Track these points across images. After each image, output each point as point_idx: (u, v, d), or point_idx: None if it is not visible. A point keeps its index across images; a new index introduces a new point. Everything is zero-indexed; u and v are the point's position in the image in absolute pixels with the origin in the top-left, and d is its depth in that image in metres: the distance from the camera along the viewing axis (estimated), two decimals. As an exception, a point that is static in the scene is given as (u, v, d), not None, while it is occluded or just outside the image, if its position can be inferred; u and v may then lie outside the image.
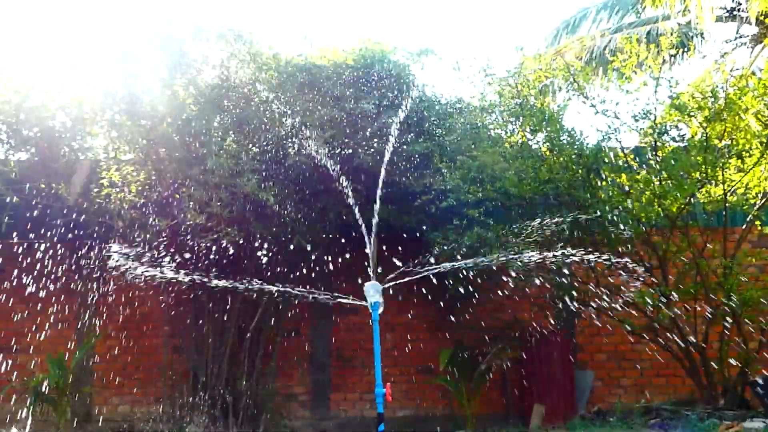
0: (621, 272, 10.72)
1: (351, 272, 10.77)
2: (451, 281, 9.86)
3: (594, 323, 11.93)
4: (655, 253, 10.23)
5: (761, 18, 15.92)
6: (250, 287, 8.38)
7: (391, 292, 6.25)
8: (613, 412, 10.56)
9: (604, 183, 10.15)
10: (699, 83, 10.89)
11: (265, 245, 10.14)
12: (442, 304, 11.05)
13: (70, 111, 9.97)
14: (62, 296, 12.05)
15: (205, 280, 8.14)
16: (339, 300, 5.69)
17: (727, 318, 9.81)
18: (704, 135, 9.67)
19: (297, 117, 10.16)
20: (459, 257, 9.86)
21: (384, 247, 9.32)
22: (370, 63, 10.97)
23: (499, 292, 11.27)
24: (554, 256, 8.92)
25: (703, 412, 9.41)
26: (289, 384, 12.21)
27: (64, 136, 10.10)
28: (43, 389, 10.93)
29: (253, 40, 10.41)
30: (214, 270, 10.68)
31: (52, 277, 12.30)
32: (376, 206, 6.58)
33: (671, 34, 11.91)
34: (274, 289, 8.11)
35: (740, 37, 17.43)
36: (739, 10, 17.40)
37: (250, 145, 10.25)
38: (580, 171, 10.11)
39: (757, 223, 10.52)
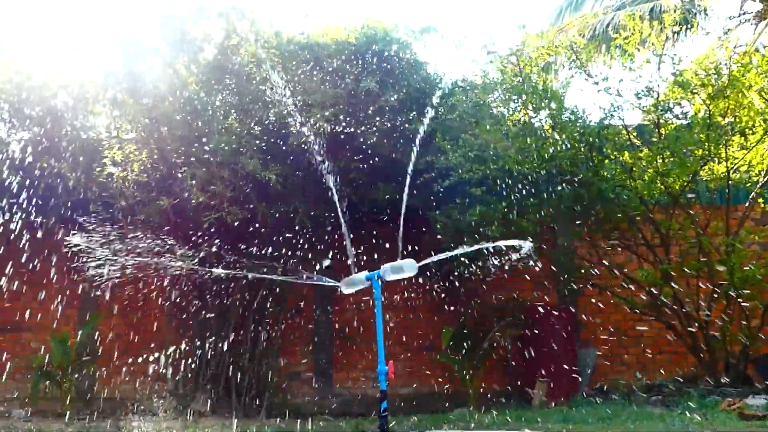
0: (623, 250, 10.75)
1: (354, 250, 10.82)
2: (453, 260, 9.90)
3: (596, 301, 11.96)
4: (658, 231, 10.23)
5: (766, -6, 15.84)
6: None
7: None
8: (615, 389, 10.58)
9: (606, 161, 10.14)
10: (702, 60, 10.83)
11: (268, 223, 10.16)
12: (444, 282, 11.08)
13: (72, 90, 9.95)
14: (66, 275, 12.08)
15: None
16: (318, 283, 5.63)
17: (730, 295, 9.81)
18: (707, 112, 9.65)
19: (299, 95, 10.14)
20: (461, 235, 9.90)
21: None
22: (371, 41, 10.93)
23: (502, 270, 11.30)
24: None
25: (706, 389, 9.44)
26: (291, 362, 12.24)
27: (66, 115, 10.08)
28: (47, 368, 10.98)
29: (255, 18, 10.38)
30: (217, 248, 10.71)
31: (56, 256, 12.33)
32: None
33: (674, 11, 11.86)
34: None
35: (744, 13, 17.30)
36: (743, -14, 17.29)
37: (252, 124, 10.24)
38: (582, 149, 10.10)
39: (760, 200, 10.52)
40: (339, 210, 10.41)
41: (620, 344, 12.32)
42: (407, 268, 4.85)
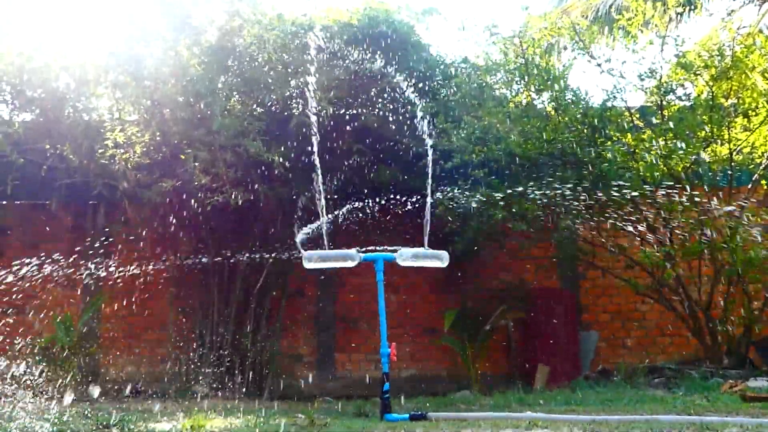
0: (625, 232, 10.74)
1: (355, 232, 10.84)
2: (455, 242, 9.91)
3: (598, 283, 11.97)
4: (660, 213, 10.22)
5: (769, -25, 15.77)
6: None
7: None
8: (617, 371, 10.59)
9: (609, 143, 10.12)
10: (706, 41, 10.82)
11: (270, 205, 10.18)
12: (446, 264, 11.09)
13: (74, 72, 9.94)
14: (68, 257, 12.11)
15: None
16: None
17: (732, 278, 9.81)
18: (710, 94, 9.63)
19: (301, 77, 10.13)
20: (464, 217, 9.90)
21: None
22: (374, 23, 10.90)
23: (504, 252, 11.31)
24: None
25: (707, 371, 9.44)
26: (294, 345, 12.28)
27: (68, 97, 10.08)
28: (51, 350, 11.01)
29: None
30: (220, 231, 10.74)
31: (59, 237, 12.36)
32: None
33: (678, -8, 11.81)
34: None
35: (748, -6, 17.24)
36: (747, -34, 17.21)
37: (255, 106, 10.24)
38: (585, 131, 10.08)
39: (763, 182, 10.49)
40: (341, 191, 10.48)
41: (622, 327, 12.35)
42: (436, 257, 4.76)
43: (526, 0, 15.53)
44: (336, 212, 10.40)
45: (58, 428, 6.00)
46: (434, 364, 12.22)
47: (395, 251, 4.87)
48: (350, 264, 4.77)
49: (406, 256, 4.67)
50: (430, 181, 6.58)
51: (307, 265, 4.86)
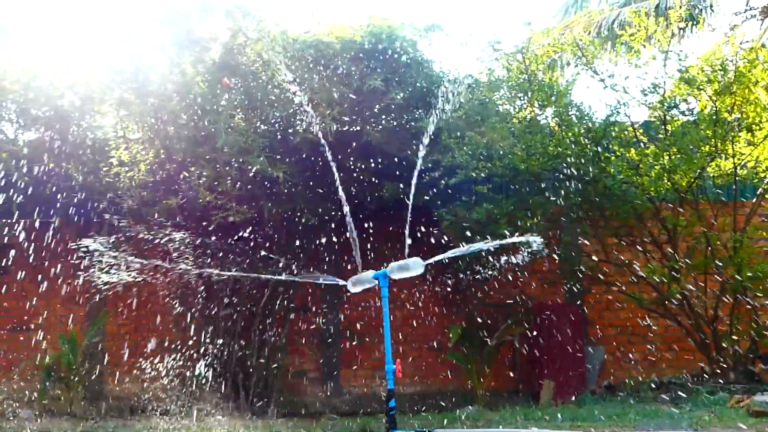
0: (630, 247, 10.73)
1: (360, 249, 10.81)
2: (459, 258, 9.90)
3: (604, 298, 11.94)
4: (665, 228, 10.22)
5: (772, -11, 15.80)
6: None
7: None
8: (623, 386, 10.58)
9: (613, 158, 10.13)
10: (708, 56, 10.82)
11: (274, 223, 10.17)
12: (451, 280, 11.09)
13: (78, 90, 9.97)
14: (73, 275, 12.11)
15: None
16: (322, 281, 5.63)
17: (738, 292, 9.79)
18: (714, 108, 9.64)
19: (305, 94, 10.14)
20: (468, 233, 9.88)
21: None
22: (377, 40, 10.91)
23: (509, 267, 11.28)
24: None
25: (714, 386, 9.42)
26: (299, 361, 12.25)
27: (73, 115, 10.11)
28: (55, 368, 11.01)
29: (261, 17, 10.37)
30: (224, 247, 10.73)
31: (63, 256, 12.36)
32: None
33: (680, 7, 11.85)
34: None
35: (750, 9, 17.25)
36: (749, -19, 17.24)
37: (259, 123, 10.25)
38: (588, 146, 10.09)
39: (768, 196, 10.50)
40: (345, 208, 10.45)
41: (628, 341, 12.30)
42: (414, 266, 4.82)
43: (529, 16, 15.57)
44: (340, 229, 10.42)
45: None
46: (440, 380, 12.18)
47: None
48: (369, 285, 4.80)
49: (395, 269, 4.70)
50: (412, 191, 6.61)
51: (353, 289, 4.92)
